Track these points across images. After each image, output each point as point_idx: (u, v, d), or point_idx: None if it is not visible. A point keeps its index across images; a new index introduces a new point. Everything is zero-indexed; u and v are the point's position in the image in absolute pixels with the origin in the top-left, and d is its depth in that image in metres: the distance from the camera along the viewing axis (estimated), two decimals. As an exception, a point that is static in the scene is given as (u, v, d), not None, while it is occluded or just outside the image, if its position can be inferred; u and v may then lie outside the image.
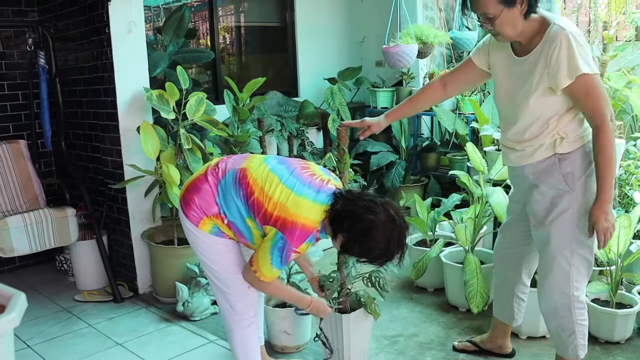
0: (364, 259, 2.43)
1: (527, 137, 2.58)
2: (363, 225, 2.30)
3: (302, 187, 2.40)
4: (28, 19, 4.61)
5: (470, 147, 3.98)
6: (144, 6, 4.19)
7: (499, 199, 3.59)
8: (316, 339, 2.92)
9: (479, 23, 2.51)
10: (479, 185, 3.83)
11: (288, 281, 3.40)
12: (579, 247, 2.57)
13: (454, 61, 6.12)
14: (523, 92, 2.54)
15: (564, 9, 6.16)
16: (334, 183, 2.50)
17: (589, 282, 2.81)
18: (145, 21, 4.22)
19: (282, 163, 2.53)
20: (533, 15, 2.45)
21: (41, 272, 4.78)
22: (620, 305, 3.32)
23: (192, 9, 5.79)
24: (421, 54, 5.42)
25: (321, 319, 2.86)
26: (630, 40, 5.29)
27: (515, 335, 3.39)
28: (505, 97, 2.67)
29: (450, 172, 4.26)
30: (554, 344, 2.83)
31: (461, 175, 3.95)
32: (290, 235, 2.33)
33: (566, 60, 2.37)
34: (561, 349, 2.76)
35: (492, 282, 3.62)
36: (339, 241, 2.39)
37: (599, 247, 2.54)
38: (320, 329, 2.90)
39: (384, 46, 5.37)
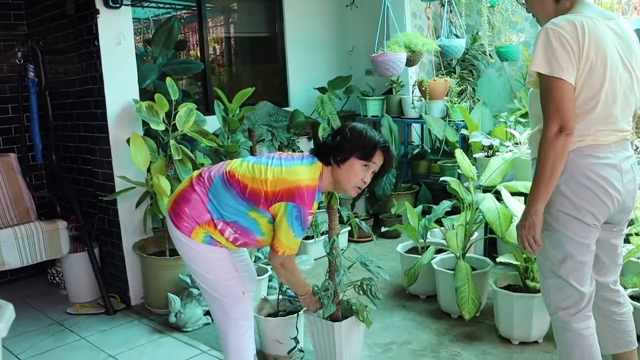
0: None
1: None
2: (354, 131, 2.61)
3: (287, 161, 2.60)
4: (17, 33, 4.61)
5: (459, 153, 4.00)
6: (134, 18, 4.22)
7: (489, 205, 3.59)
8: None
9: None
10: (470, 191, 3.84)
11: (280, 291, 3.40)
12: (542, 257, 2.46)
13: (442, 69, 6.16)
14: None
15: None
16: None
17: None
18: (135, 33, 4.24)
19: (260, 157, 2.71)
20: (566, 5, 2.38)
21: (33, 286, 4.76)
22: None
23: (182, 21, 5.82)
24: (410, 62, 5.45)
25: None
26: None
27: (507, 341, 3.41)
28: None
29: (441, 179, 4.26)
30: None
31: (452, 181, 3.97)
32: (300, 199, 2.48)
33: (534, 53, 2.27)
34: None
35: (484, 288, 3.65)
36: (357, 155, 2.55)
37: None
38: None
39: (372, 55, 5.40)
